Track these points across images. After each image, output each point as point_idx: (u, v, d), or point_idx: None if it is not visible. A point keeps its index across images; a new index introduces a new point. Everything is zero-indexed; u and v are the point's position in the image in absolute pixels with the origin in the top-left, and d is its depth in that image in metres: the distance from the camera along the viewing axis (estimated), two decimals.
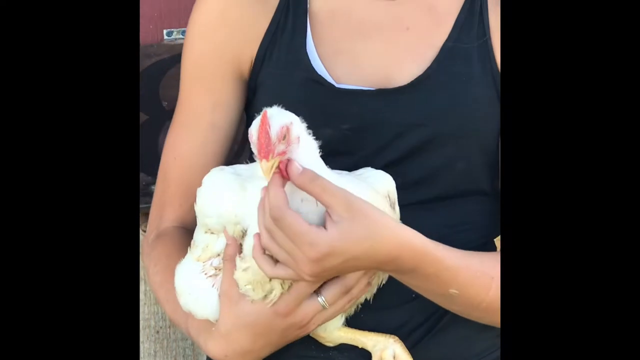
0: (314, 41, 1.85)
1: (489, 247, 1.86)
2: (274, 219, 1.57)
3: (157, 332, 2.54)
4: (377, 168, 1.72)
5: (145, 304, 2.55)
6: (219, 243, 1.72)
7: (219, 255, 1.72)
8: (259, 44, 1.87)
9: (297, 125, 1.60)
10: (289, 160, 1.58)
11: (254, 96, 1.89)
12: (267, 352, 1.72)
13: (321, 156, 1.65)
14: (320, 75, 1.81)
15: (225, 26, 1.88)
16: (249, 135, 1.59)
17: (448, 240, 1.70)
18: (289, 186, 1.59)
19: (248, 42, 1.87)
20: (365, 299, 1.75)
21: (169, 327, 2.55)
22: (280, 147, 1.57)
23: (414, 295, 1.78)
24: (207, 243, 1.74)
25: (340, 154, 1.73)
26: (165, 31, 2.31)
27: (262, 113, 1.58)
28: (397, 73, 1.82)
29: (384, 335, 1.76)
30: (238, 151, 2.24)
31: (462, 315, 1.78)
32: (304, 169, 1.58)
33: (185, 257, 1.77)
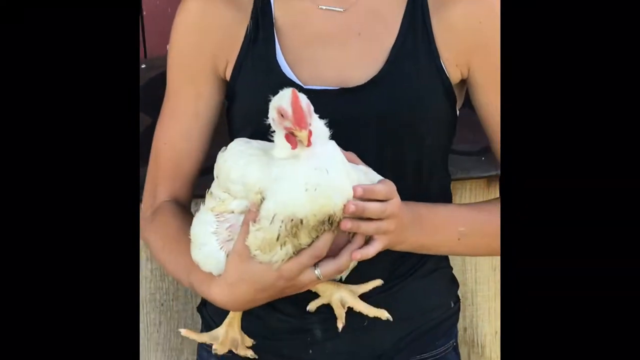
0: (281, 50, 2.01)
1: None
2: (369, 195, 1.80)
3: (162, 304, 2.62)
4: None
5: (151, 280, 2.59)
6: (234, 202, 1.83)
7: (232, 212, 1.83)
8: (234, 50, 2.02)
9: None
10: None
11: (232, 102, 2.04)
12: (263, 302, 1.88)
13: None
14: (290, 79, 1.97)
15: (202, 26, 2.04)
16: (278, 110, 1.71)
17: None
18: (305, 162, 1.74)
19: (223, 44, 2.03)
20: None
21: (172, 300, 2.61)
22: (310, 119, 1.72)
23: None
24: (223, 199, 1.84)
25: None
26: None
27: (289, 90, 1.72)
28: (354, 74, 1.98)
29: (334, 283, 1.91)
30: None
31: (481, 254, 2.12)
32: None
33: (201, 208, 1.88)
